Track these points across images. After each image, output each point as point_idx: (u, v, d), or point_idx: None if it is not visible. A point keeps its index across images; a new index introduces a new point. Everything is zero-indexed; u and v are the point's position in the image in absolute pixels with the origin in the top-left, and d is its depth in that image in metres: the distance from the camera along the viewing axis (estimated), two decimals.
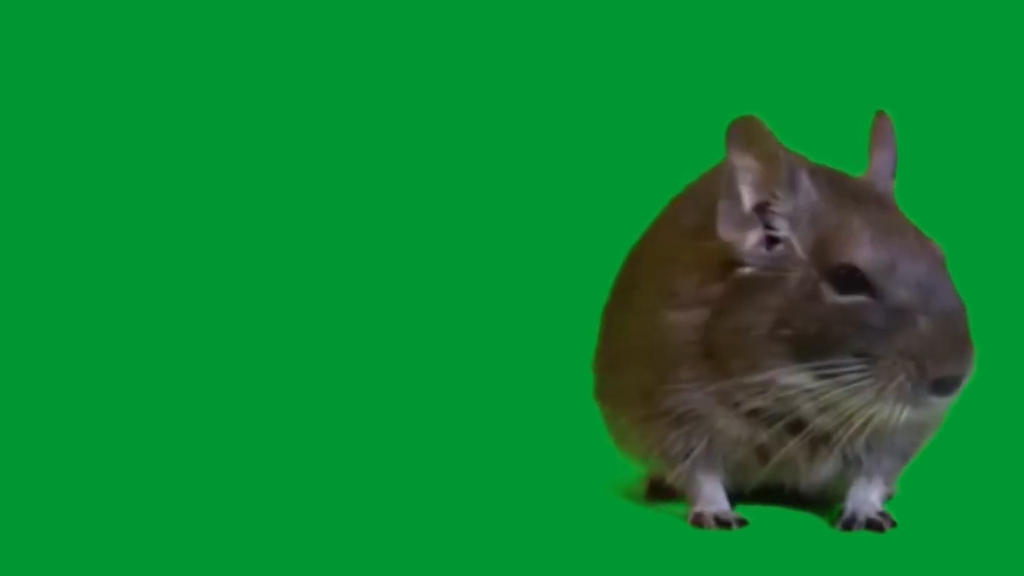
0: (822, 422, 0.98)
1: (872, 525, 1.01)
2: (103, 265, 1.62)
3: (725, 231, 1.00)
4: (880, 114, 1.05)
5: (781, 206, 1.00)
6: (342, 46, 1.67)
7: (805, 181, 1.00)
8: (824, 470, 1.02)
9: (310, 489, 1.15)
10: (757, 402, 0.99)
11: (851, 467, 1.02)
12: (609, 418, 1.10)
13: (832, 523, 1.03)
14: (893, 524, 1.01)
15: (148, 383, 1.50)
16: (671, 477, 1.04)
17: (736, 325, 0.98)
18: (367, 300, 1.61)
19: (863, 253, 0.97)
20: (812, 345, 0.96)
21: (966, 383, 0.96)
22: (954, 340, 0.95)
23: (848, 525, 1.01)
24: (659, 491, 1.08)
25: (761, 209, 1.00)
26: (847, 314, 0.96)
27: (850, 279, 0.97)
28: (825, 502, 1.05)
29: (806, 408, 0.98)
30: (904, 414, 0.96)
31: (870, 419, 0.96)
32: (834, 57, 1.64)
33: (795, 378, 0.97)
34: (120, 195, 1.65)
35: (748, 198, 1.00)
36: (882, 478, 1.03)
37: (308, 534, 1.01)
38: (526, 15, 1.67)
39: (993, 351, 1.03)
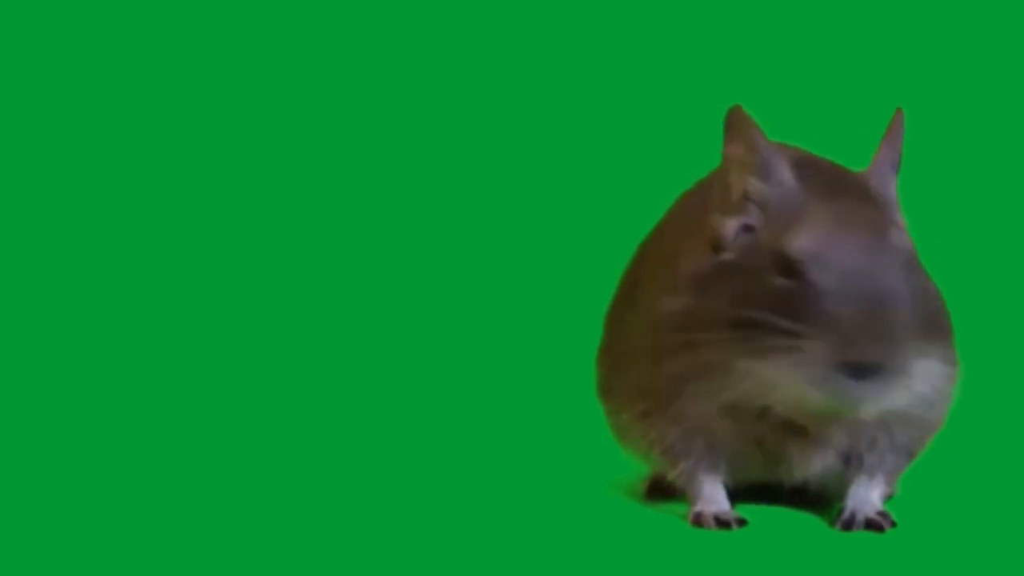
0: (775, 406, 0.98)
1: (872, 525, 1.01)
2: (103, 265, 1.62)
3: (714, 218, 1.01)
4: (898, 111, 1.04)
5: (756, 194, 1.00)
6: (342, 46, 1.67)
7: (779, 170, 1.00)
8: (816, 463, 1.02)
9: (310, 488, 1.15)
10: (728, 394, 0.99)
11: (851, 465, 1.02)
12: (611, 415, 1.10)
13: (832, 523, 1.03)
14: (893, 524, 1.01)
15: (147, 382, 1.51)
16: (672, 475, 1.04)
17: (703, 312, 0.99)
18: (370, 299, 1.61)
19: (798, 241, 0.97)
20: (755, 329, 0.96)
21: (897, 374, 0.95)
22: (874, 325, 0.94)
23: (848, 525, 1.01)
24: (659, 490, 1.09)
25: (746, 197, 1.00)
26: (778, 298, 0.96)
27: (786, 265, 0.97)
28: (825, 502, 1.05)
29: (752, 394, 0.98)
30: (821, 397, 0.96)
31: (791, 401, 0.96)
32: (834, 57, 1.64)
33: (742, 363, 0.97)
34: (120, 195, 1.65)
35: (736, 186, 1.01)
36: (883, 477, 1.03)
37: (307, 533, 1.01)
38: (529, 15, 1.67)
39: (993, 351, 1.03)
